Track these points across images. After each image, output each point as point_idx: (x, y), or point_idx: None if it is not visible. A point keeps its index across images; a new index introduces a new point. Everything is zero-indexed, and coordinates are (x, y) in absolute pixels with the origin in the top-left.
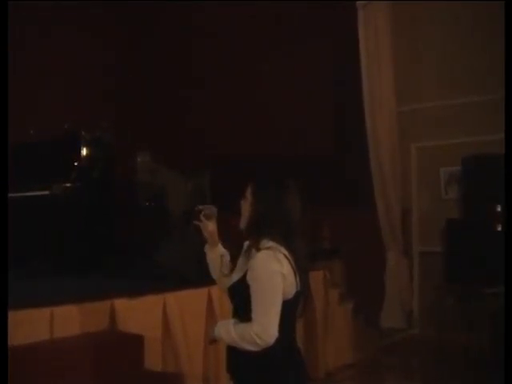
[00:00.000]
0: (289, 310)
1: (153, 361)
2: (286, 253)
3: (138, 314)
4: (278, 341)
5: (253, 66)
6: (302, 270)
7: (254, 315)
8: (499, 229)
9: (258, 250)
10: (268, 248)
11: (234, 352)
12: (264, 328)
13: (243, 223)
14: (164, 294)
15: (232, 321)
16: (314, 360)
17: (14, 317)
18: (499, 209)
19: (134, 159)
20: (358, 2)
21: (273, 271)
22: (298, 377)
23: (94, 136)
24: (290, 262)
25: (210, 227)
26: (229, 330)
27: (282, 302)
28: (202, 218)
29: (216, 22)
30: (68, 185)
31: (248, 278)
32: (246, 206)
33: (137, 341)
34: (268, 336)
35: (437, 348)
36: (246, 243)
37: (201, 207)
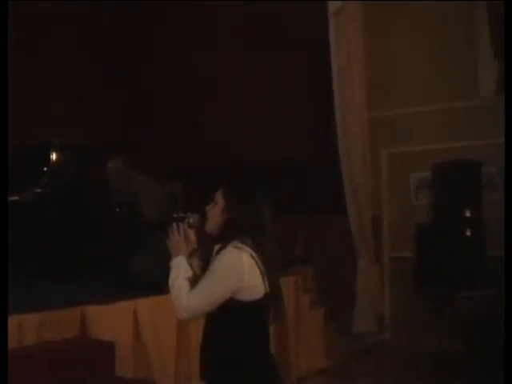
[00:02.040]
0: (258, 311)
1: (124, 367)
2: (255, 255)
3: (109, 320)
4: (250, 345)
5: (225, 73)
6: (271, 272)
7: (193, 289)
8: (468, 233)
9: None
10: (237, 247)
11: (207, 358)
12: (188, 305)
13: (212, 227)
14: (135, 300)
15: (187, 277)
16: (286, 365)
17: None
18: (468, 214)
19: (105, 166)
20: (330, 10)
21: (232, 266)
22: (271, 382)
23: (66, 142)
24: (257, 264)
25: (192, 237)
26: (177, 277)
27: (228, 299)
28: (185, 226)
29: (190, 34)
30: (38, 191)
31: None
32: (215, 210)
33: (108, 347)
34: (185, 311)
35: (408, 352)
36: (217, 246)
37: (183, 214)
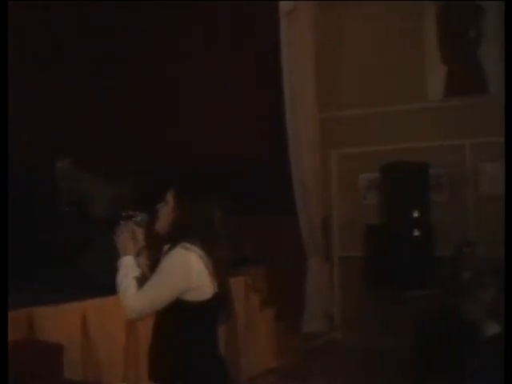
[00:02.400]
0: (208, 312)
1: (73, 370)
2: (203, 255)
3: (58, 322)
4: (199, 345)
5: (177, 72)
6: (220, 273)
7: (140, 289)
8: (416, 234)
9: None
10: (186, 248)
11: (155, 359)
12: (135, 305)
13: (162, 226)
14: (84, 301)
15: (135, 276)
16: (236, 365)
17: None
18: (416, 214)
19: (53, 165)
20: (281, 11)
21: (179, 267)
22: (220, 382)
23: (14, 141)
24: (205, 264)
25: (139, 236)
26: (125, 276)
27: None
28: (133, 225)
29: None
30: None
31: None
32: (166, 210)
33: (56, 349)
34: (133, 311)
35: (359, 351)
36: (166, 246)
37: (131, 213)
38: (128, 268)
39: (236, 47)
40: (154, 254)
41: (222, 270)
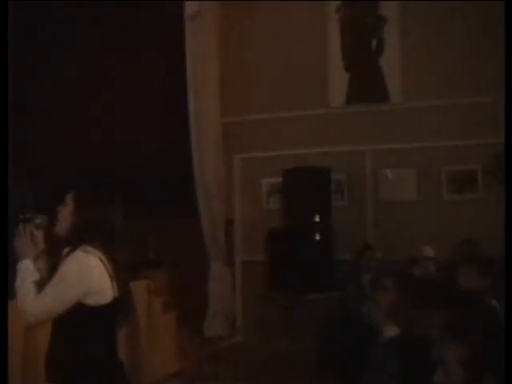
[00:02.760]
0: (107, 316)
1: None
2: (104, 258)
3: None
4: (97, 349)
5: (85, 76)
6: (120, 276)
7: (39, 293)
8: (317, 238)
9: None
10: (86, 251)
11: (53, 362)
12: (34, 310)
13: (62, 229)
14: None
15: (34, 280)
16: (138, 370)
17: None
18: (317, 219)
19: None
20: (186, 14)
21: (79, 271)
22: None
23: None
24: (106, 267)
25: (39, 239)
26: (23, 281)
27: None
28: (32, 228)
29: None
30: None
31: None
32: (65, 212)
33: None
34: (32, 316)
35: (261, 354)
36: (67, 249)
37: (30, 215)
38: (27, 272)
39: (142, 51)
40: (53, 257)
41: (122, 273)
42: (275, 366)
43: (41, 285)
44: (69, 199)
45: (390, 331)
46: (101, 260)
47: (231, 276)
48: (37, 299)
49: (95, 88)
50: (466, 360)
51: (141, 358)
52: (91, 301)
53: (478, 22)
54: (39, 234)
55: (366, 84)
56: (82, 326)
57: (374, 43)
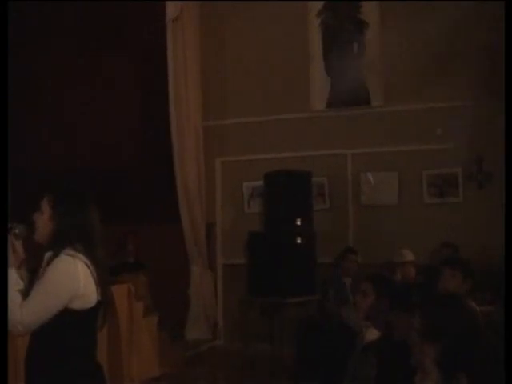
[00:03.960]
0: (89, 320)
1: None
2: (88, 262)
3: None
4: (79, 353)
5: (60, 76)
6: (103, 281)
7: (25, 301)
8: (299, 241)
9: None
10: (71, 255)
11: (30, 365)
12: (23, 319)
13: (41, 236)
14: None
15: (18, 289)
16: (119, 374)
17: None
18: (299, 222)
19: None
20: (167, 17)
21: (66, 275)
22: None
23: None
24: (90, 272)
25: (19, 248)
26: (9, 288)
27: (64, 309)
28: (11, 237)
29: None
30: None
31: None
32: (43, 219)
33: None
34: (20, 326)
35: (242, 358)
36: (48, 254)
37: (10, 225)
38: (11, 281)
39: (122, 52)
40: (32, 265)
41: (104, 276)
42: (256, 369)
43: (25, 293)
44: (44, 205)
45: (370, 334)
46: (86, 264)
47: (212, 279)
48: (24, 308)
49: (73, 90)
50: (444, 361)
51: (122, 361)
52: (76, 305)
53: (458, 25)
54: (18, 244)
55: (348, 88)
56: (64, 332)
57: (355, 47)
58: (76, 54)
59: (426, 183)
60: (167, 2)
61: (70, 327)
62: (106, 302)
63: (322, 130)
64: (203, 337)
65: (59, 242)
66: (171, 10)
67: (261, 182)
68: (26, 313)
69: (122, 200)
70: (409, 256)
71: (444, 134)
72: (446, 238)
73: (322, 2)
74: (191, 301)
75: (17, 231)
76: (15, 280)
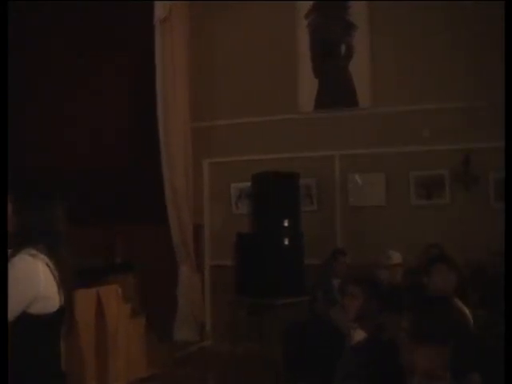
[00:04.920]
0: (52, 325)
1: None
2: (51, 264)
3: None
4: (38, 362)
5: (42, 76)
6: (67, 284)
7: None
8: (286, 243)
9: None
10: (32, 255)
11: None
12: None
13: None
14: None
15: None
16: (107, 375)
17: None
18: (287, 224)
19: None
20: (156, 18)
21: (26, 276)
22: None
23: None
24: (52, 273)
25: None
26: None
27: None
28: None
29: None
30: None
31: None
32: (9, 216)
33: None
34: None
35: (230, 359)
36: (9, 251)
37: None
38: None
39: (110, 53)
40: None
41: (69, 280)
42: (244, 370)
43: None
44: (10, 203)
45: (358, 336)
46: (47, 265)
47: (200, 281)
48: None
49: (61, 89)
50: (434, 361)
51: (109, 362)
52: (36, 309)
53: (446, 26)
54: None
55: (335, 89)
56: (23, 338)
57: (343, 49)
58: (63, 54)
59: (414, 184)
60: (156, 3)
61: (30, 334)
62: (69, 307)
63: (309, 131)
64: (191, 338)
65: (19, 241)
66: (160, 10)
67: (249, 184)
68: None
69: (110, 201)
70: (396, 258)
71: (431, 136)
72: (434, 239)
73: (310, 3)
74: (179, 302)
75: None
76: None
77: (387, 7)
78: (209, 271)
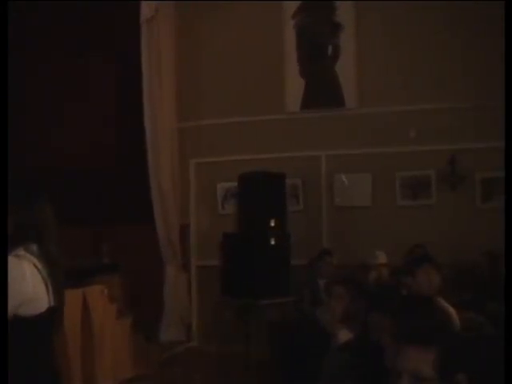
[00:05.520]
0: (42, 326)
1: None
2: (39, 264)
3: None
4: (31, 362)
5: (28, 77)
6: (56, 284)
7: None
8: (273, 243)
9: None
10: (18, 256)
11: None
12: None
13: None
14: None
15: None
16: (93, 376)
17: None
18: (273, 224)
19: None
20: (142, 18)
21: (11, 278)
22: None
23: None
24: (40, 273)
25: None
26: None
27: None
28: None
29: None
30: None
31: None
32: None
33: None
34: None
35: (217, 359)
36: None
37: None
38: None
39: (96, 53)
40: None
41: (58, 279)
42: (231, 370)
43: None
44: None
45: (344, 336)
46: (35, 265)
47: (186, 281)
48: None
49: (47, 90)
50: (419, 362)
51: (95, 363)
52: (24, 311)
53: (433, 26)
54: None
55: (322, 90)
56: (15, 340)
57: (329, 49)
58: (50, 54)
59: (400, 185)
60: (142, 2)
61: (21, 336)
62: (59, 307)
63: (296, 131)
64: (177, 338)
65: (11, 242)
66: (146, 10)
67: (235, 184)
68: None
69: (97, 201)
70: (382, 258)
71: (417, 136)
72: (420, 239)
73: (297, 4)
74: (165, 302)
75: None
76: None
77: (374, 8)
78: (195, 271)
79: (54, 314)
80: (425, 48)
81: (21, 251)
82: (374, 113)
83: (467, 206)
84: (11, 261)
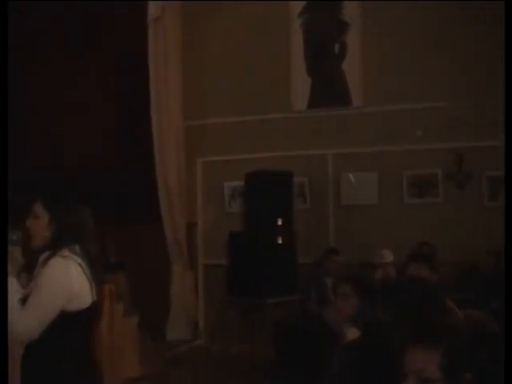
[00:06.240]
0: (86, 319)
1: None
2: (83, 263)
3: None
4: (74, 353)
5: (29, 77)
6: (97, 280)
7: (23, 309)
8: (279, 241)
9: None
10: (63, 257)
11: (27, 369)
12: (23, 329)
13: (38, 240)
14: None
15: (19, 298)
16: (99, 375)
17: None
18: (280, 222)
19: None
20: (149, 17)
21: (59, 277)
22: None
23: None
24: (84, 271)
25: (17, 254)
26: (10, 299)
27: (58, 312)
28: (9, 245)
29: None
30: None
31: (35, 283)
32: (38, 224)
33: None
34: (23, 336)
35: (223, 358)
36: (44, 255)
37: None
38: (11, 291)
39: (103, 52)
40: (32, 268)
41: (99, 276)
42: (237, 369)
43: (27, 300)
44: (39, 209)
45: (351, 335)
46: (79, 265)
47: (193, 279)
48: (23, 318)
49: (55, 89)
50: (426, 361)
51: (101, 363)
52: (72, 307)
53: (439, 25)
54: (17, 250)
55: (329, 88)
56: (61, 333)
57: (336, 48)
58: (58, 53)
59: (406, 183)
60: (149, 2)
61: (68, 329)
62: (99, 301)
63: (303, 130)
64: (184, 337)
65: (57, 244)
66: (153, 9)
67: (242, 182)
68: (24, 323)
69: (104, 199)
70: (388, 256)
71: (424, 135)
72: (426, 237)
73: (304, 3)
74: (172, 301)
75: (14, 238)
76: (15, 289)
77: (381, 7)
78: (202, 270)
79: (96, 308)
80: (431, 46)
81: (66, 252)
82: (380, 111)
83: (474, 204)
84: (58, 261)
